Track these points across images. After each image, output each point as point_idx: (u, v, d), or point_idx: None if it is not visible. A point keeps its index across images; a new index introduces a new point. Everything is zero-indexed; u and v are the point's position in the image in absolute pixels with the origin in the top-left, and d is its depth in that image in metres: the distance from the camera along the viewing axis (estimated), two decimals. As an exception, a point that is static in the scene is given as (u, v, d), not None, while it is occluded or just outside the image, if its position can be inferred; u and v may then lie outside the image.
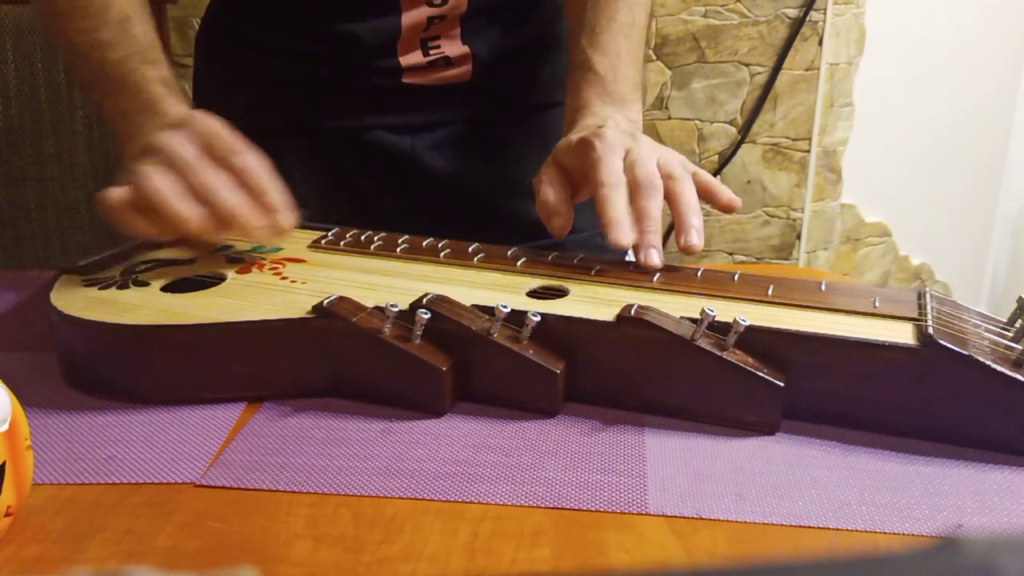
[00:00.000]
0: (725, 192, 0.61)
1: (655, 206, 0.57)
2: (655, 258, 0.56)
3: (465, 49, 0.78)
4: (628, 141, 0.61)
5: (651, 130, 1.79)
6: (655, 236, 0.57)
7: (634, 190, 0.58)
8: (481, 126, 0.82)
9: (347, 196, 0.81)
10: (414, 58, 0.77)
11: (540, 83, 0.83)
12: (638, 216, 0.57)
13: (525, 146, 0.83)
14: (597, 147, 0.60)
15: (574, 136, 0.63)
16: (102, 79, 0.65)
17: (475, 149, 0.82)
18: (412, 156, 0.80)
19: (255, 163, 0.58)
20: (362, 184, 0.81)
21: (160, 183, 0.55)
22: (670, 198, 0.58)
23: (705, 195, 0.60)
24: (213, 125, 0.59)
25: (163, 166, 0.56)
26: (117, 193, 0.56)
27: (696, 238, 0.56)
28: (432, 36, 0.77)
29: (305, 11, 0.77)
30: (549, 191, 0.62)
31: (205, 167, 0.56)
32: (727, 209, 0.60)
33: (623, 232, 0.56)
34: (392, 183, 0.81)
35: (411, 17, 0.75)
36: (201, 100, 0.88)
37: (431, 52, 0.77)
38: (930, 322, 0.47)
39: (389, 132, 0.80)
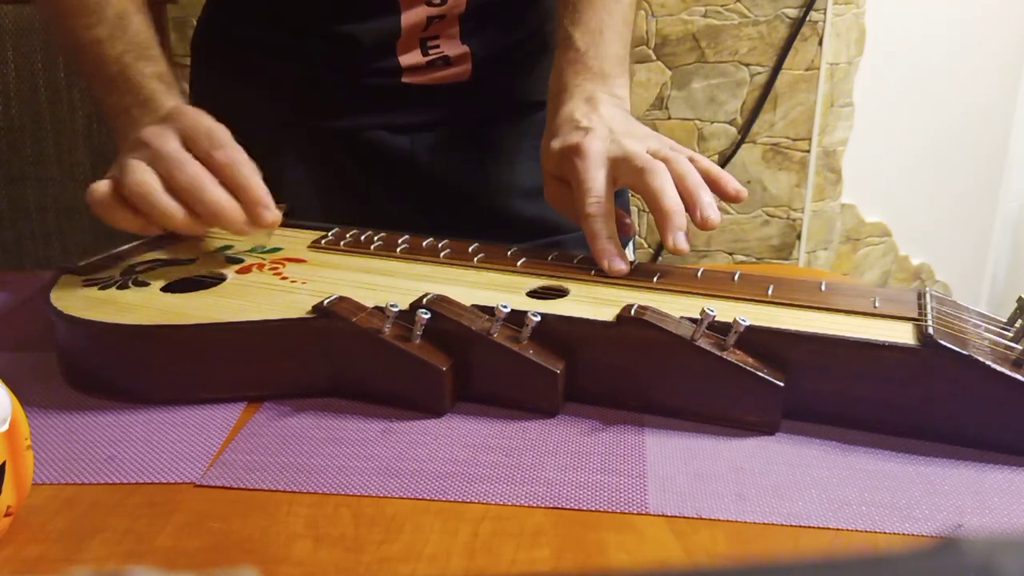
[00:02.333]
0: (731, 181, 0.59)
1: (668, 184, 0.56)
2: (684, 244, 0.54)
3: (464, 48, 0.78)
4: (611, 148, 0.59)
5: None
6: (680, 217, 0.55)
7: (638, 177, 0.57)
8: (480, 125, 0.82)
9: (346, 196, 0.81)
10: (413, 58, 0.77)
11: (539, 82, 0.83)
12: (652, 196, 0.55)
13: (524, 145, 0.83)
14: (578, 167, 0.59)
15: (555, 144, 0.62)
16: (100, 76, 0.65)
17: (474, 148, 0.82)
18: (411, 156, 0.80)
19: (239, 158, 0.57)
20: (361, 184, 0.81)
21: (144, 177, 0.55)
22: (673, 176, 0.57)
23: (709, 184, 0.58)
24: (199, 119, 0.58)
25: (147, 160, 0.56)
26: (102, 187, 0.56)
27: (713, 212, 0.55)
28: (431, 36, 0.77)
29: (304, 11, 0.77)
30: (599, 228, 0.58)
31: (189, 161, 0.56)
32: (734, 199, 0.59)
33: (616, 262, 0.56)
34: (391, 183, 0.81)
35: (410, 17, 0.75)
36: (199, 100, 0.88)
37: (430, 52, 0.77)
38: (930, 322, 0.47)
39: (388, 132, 0.80)
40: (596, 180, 0.58)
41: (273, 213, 0.57)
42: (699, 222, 0.55)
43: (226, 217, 0.55)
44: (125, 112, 0.63)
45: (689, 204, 0.56)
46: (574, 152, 0.60)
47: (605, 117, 0.63)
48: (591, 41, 0.69)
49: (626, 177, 0.58)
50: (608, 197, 0.58)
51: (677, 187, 0.56)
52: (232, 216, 0.56)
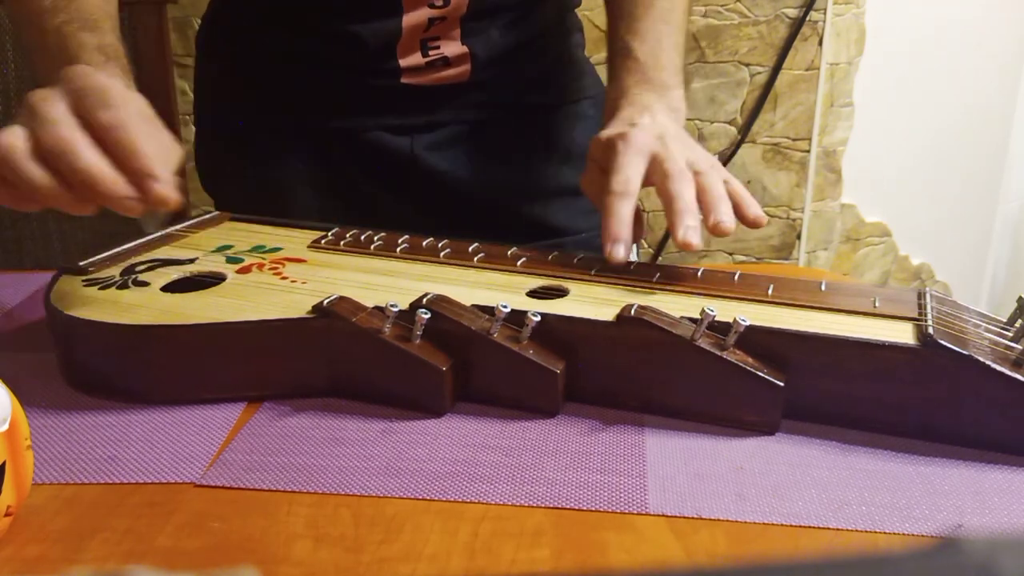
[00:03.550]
0: (753, 205, 0.59)
1: (688, 192, 0.57)
2: (694, 237, 0.55)
3: (464, 49, 0.78)
4: (655, 145, 0.60)
5: (651, 130, 1.79)
6: (692, 217, 0.56)
7: (664, 179, 0.58)
8: (480, 126, 0.82)
9: (346, 196, 0.81)
10: (413, 59, 0.77)
11: (538, 84, 0.84)
12: (669, 199, 0.57)
13: (524, 146, 0.83)
14: (619, 149, 0.59)
15: (604, 134, 0.63)
16: (41, 48, 0.59)
17: (474, 149, 0.82)
18: (411, 156, 0.80)
19: (126, 120, 0.49)
20: (361, 184, 0.81)
21: (10, 141, 0.47)
22: (698, 189, 0.58)
23: (733, 203, 0.59)
24: (90, 77, 0.51)
25: (25, 125, 0.49)
26: None
27: (728, 219, 0.56)
28: (432, 37, 0.77)
29: (307, 11, 0.77)
30: (620, 221, 0.59)
31: (61, 122, 0.48)
32: (752, 225, 0.59)
33: (619, 248, 0.56)
34: (391, 183, 0.81)
35: (412, 18, 0.75)
36: (201, 98, 0.88)
37: (430, 53, 0.77)
38: (930, 322, 0.47)
39: (388, 132, 0.80)
40: (631, 166, 0.59)
41: (165, 187, 0.49)
42: (711, 225, 0.56)
43: (102, 186, 0.48)
44: (50, 79, 0.54)
45: (705, 211, 0.57)
46: (620, 138, 0.60)
47: (659, 122, 0.64)
48: (649, 51, 0.69)
49: (655, 176, 0.59)
50: (637, 184, 0.58)
51: (698, 197, 0.57)
52: (110, 186, 0.48)
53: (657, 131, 0.62)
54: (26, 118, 0.49)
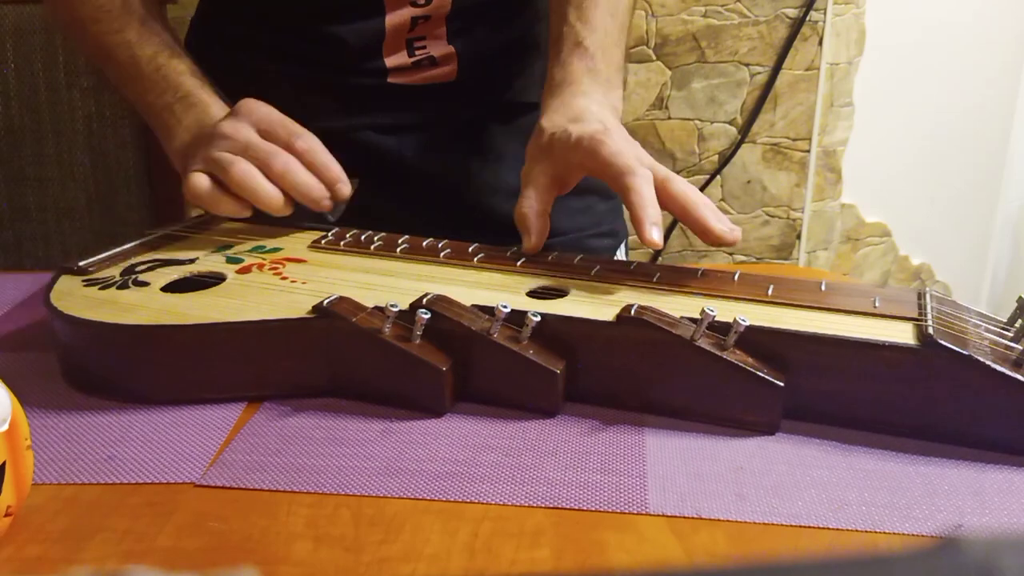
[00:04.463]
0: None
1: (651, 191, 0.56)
2: (658, 235, 0.55)
3: (450, 49, 0.78)
4: (635, 150, 0.59)
5: (651, 130, 1.79)
6: (656, 211, 0.55)
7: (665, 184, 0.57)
8: (467, 126, 0.82)
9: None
10: (399, 59, 0.77)
11: (525, 82, 0.83)
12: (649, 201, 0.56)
13: (511, 146, 0.83)
14: (611, 150, 0.58)
15: (578, 128, 0.61)
16: (135, 76, 0.69)
17: (461, 149, 0.82)
18: (399, 156, 0.80)
19: (315, 143, 0.64)
20: (350, 184, 0.81)
21: (247, 168, 0.61)
22: (677, 198, 0.56)
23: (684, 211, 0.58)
24: (270, 112, 0.65)
25: (238, 152, 0.62)
26: (203, 181, 0.62)
27: (726, 225, 0.56)
28: (417, 37, 0.77)
29: (289, 12, 0.78)
30: (532, 204, 0.61)
31: (280, 151, 0.62)
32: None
33: (655, 231, 0.54)
34: (380, 183, 0.81)
35: (395, 18, 0.75)
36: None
37: (416, 52, 0.77)
38: (930, 322, 0.47)
39: (376, 132, 0.80)
40: (637, 160, 0.57)
41: (347, 186, 0.64)
42: (716, 235, 0.55)
43: (314, 195, 0.63)
44: (167, 109, 0.68)
45: (695, 221, 0.56)
46: (604, 135, 0.59)
47: (614, 122, 0.63)
48: (598, 43, 0.68)
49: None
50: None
51: (677, 208, 0.56)
52: (320, 194, 0.63)
53: (613, 122, 0.63)
54: (229, 144, 0.62)
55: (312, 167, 0.63)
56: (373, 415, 0.51)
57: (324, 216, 0.66)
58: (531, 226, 0.60)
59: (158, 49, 0.70)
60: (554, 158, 0.62)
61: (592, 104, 0.64)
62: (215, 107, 0.68)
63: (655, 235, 0.54)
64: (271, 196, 0.62)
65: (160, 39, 0.71)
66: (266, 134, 0.63)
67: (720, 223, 0.55)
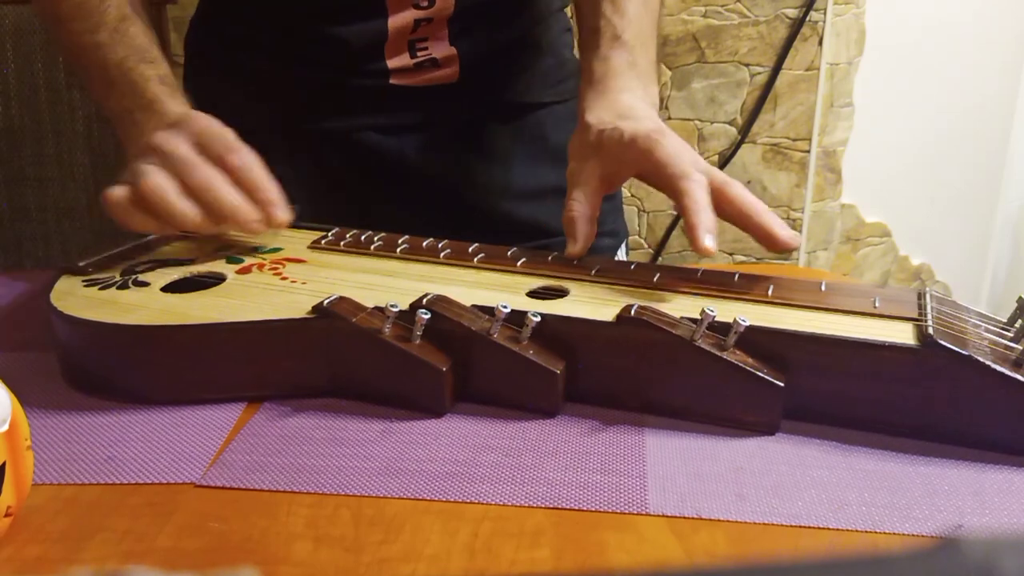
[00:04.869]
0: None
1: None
2: (710, 242, 0.53)
3: (452, 51, 0.78)
4: (692, 154, 0.58)
5: (651, 130, 1.79)
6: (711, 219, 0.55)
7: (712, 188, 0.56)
8: (469, 127, 0.82)
9: (336, 197, 0.81)
10: (401, 60, 0.77)
11: (527, 83, 0.83)
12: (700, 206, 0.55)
13: (513, 146, 0.83)
14: (669, 151, 0.56)
15: (631, 126, 0.59)
16: (103, 80, 0.66)
17: (464, 150, 0.82)
18: (401, 157, 0.80)
19: (250, 160, 0.59)
20: (351, 185, 0.81)
21: (159, 181, 0.56)
22: (736, 204, 0.56)
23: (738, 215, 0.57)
24: (209, 124, 0.60)
25: (161, 165, 0.58)
26: (118, 191, 0.57)
27: (788, 232, 0.55)
28: (420, 38, 0.76)
29: (290, 13, 0.77)
30: (583, 209, 0.59)
31: (202, 165, 0.58)
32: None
33: (710, 238, 0.53)
34: (381, 184, 0.81)
35: (398, 20, 0.75)
36: (191, 100, 0.88)
37: (419, 54, 0.77)
38: (930, 322, 0.47)
39: (377, 133, 0.80)
40: (693, 164, 0.57)
41: (284, 212, 0.59)
42: (779, 243, 0.54)
43: (240, 217, 0.57)
44: (128, 115, 0.64)
45: (757, 227, 0.55)
46: (659, 135, 0.58)
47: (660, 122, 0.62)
48: (636, 36, 0.67)
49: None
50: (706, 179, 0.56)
51: (736, 212, 0.56)
52: (246, 216, 0.58)
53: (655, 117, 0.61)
54: (155, 157, 0.58)
55: (244, 186, 0.58)
56: (373, 415, 0.51)
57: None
58: (579, 232, 0.58)
59: (128, 53, 0.66)
60: (604, 156, 0.60)
61: (637, 101, 0.63)
62: (177, 116, 0.65)
63: (709, 242, 0.52)
64: (182, 212, 0.56)
65: (134, 43, 0.67)
66: (201, 148, 0.59)
67: (784, 229, 0.54)
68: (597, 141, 0.60)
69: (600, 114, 0.62)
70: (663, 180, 0.56)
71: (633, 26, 0.67)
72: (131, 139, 0.63)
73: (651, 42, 0.69)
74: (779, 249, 0.54)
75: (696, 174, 0.55)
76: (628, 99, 0.63)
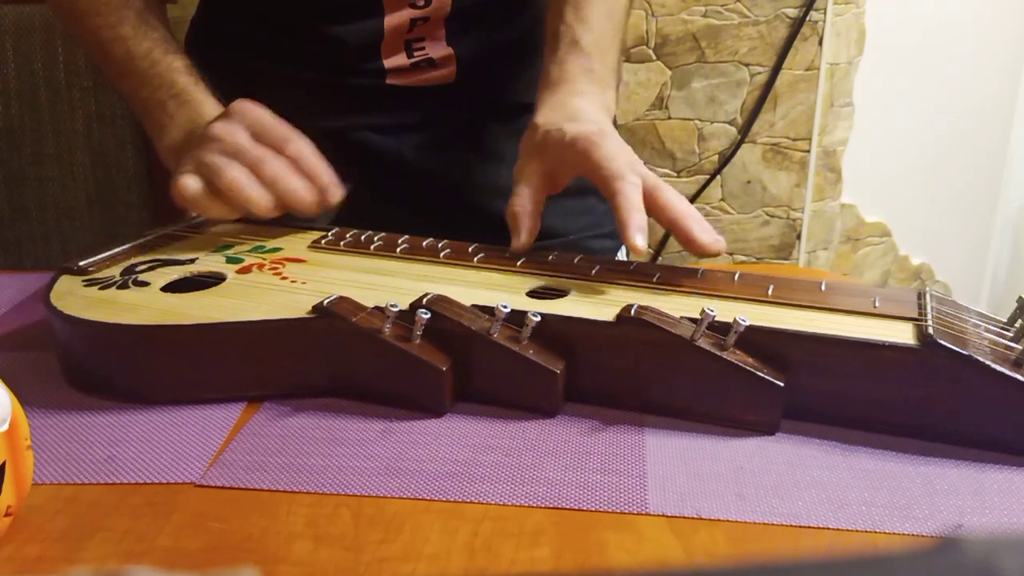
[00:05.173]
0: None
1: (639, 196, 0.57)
2: (639, 241, 0.55)
3: (449, 51, 0.78)
4: (630, 155, 0.59)
5: (651, 130, 1.79)
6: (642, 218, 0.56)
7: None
8: (466, 127, 0.82)
9: None
10: (398, 60, 0.77)
11: (524, 84, 0.83)
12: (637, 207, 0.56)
13: (511, 147, 0.83)
14: (607, 152, 0.58)
15: (574, 127, 0.61)
16: (130, 72, 0.69)
17: (460, 150, 0.82)
18: (398, 157, 0.80)
19: (305, 149, 0.64)
20: (349, 184, 0.81)
21: (237, 175, 0.61)
22: (665, 208, 0.57)
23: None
24: (261, 113, 0.64)
25: (228, 155, 0.61)
26: (192, 184, 0.61)
27: (710, 236, 0.56)
28: (417, 38, 0.76)
29: (289, 13, 0.77)
30: (524, 203, 0.61)
31: (271, 158, 0.62)
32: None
33: (640, 236, 0.55)
34: (378, 183, 0.81)
35: (394, 19, 0.75)
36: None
37: (415, 54, 0.77)
38: (930, 322, 0.47)
39: (375, 133, 0.80)
40: (629, 166, 0.58)
41: (339, 191, 0.64)
42: (705, 246, 0.55)
43: (305, 202, 0.62)
44: (160, 105, 0.68)
45: (686, 233, 0.56)
46: (598, 136, 0.59)
47: (607, 125, 0.63)
48: (594, 43, 0.68)
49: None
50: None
51: (667, 218, 0.57)
52: (310, 200, 0.63)
53: (605, 121, 0.63)
54: (219, 146, 0.62)
55: (303, 172, 0.63)
56: (373, 415, 0.51)
57: (314, 216, 0.66)
58: (522, 225, 0.60)
59: (153, 45, 0.69)
60: (547, 156, 0.62)
61: (587, 104, 0.64)
62: (208, 106, 0.68)
63: (639, 240, 0.54)
64: (261, 202, 0.61)
65: (157, 35, 0.70)
66: (258, 137, 0.63)
67: (705, 234, 0.55)
68: (543, 141, 0.62)
69: (549, 115, 0.64)
70: (600, 180, 0.58)
71: (594, 32, 0.69)
72: (163, 128, 0.67)
73: (611, 49, 0.70)
74: (701, 253, 0.55)
75: (631, 175, 0.57)
76: (579, 102, 0.64)
